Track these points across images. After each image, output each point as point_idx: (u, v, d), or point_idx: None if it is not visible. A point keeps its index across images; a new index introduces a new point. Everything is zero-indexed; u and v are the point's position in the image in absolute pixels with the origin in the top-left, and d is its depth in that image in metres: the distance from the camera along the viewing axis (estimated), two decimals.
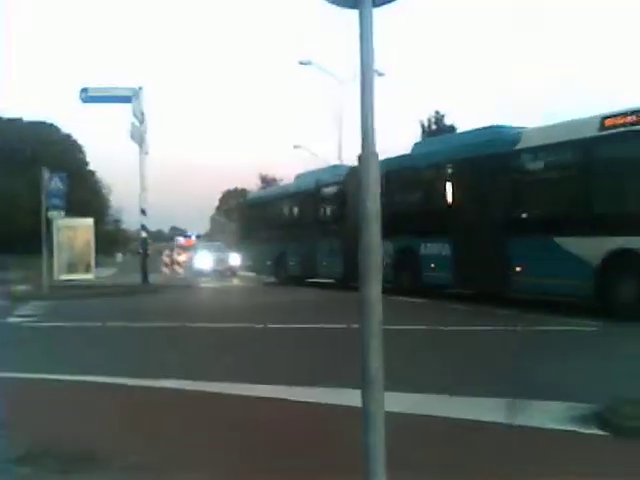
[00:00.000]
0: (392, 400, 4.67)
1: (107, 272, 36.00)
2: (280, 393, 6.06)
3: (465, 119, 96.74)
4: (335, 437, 4.73)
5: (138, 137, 23.30)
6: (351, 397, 4.01)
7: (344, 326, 10.12)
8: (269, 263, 24.09)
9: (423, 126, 46.91)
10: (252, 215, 26.63)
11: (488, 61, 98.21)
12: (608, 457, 4.35)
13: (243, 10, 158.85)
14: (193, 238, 57.54)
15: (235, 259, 32.63)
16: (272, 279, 24.18)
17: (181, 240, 56.31)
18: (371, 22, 2.88)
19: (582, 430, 4.80)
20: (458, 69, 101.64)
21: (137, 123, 23.29)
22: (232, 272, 32.15)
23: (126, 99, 23.22)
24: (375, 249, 2.93)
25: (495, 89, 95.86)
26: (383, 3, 2.92)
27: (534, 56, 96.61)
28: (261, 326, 11.10)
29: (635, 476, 4.00)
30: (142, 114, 23.34)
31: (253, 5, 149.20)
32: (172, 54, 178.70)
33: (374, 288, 2.94)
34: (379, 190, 2.91)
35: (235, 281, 28.28)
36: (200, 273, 31.98)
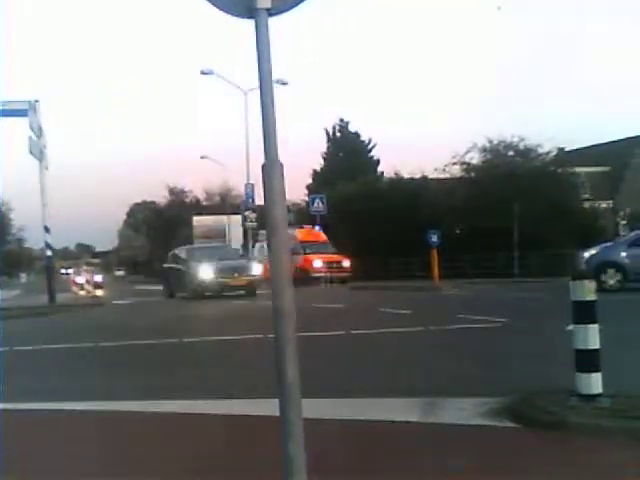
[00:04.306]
0: (308, 407, 4.69)
1: (10, 293, 34.45)
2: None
3: (370, 126, 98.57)
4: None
5: (37, 152, 22.41)
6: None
7: None
8: None
9: (328, 134, 47.49)
10: None
11: (389, 68, 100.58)
12: (520, 449, 4.50)
13: (145, 21, 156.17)
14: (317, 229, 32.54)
15: (257, 268, 22.51)
16: None
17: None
18: (267, 32, 2.88)
19: (495, 424, 4.93)
20: (361, 76, 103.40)
21: (35, 137, 22.40)
22: (250, 288, 21.58)
23: (21, 112, 22.26)
24: (284, 257, 2.94)
25: (399, 94, 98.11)
26: (279, 12, 2.93)
27: (434, 62, 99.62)
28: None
29: (546, 466, 4.15)
30: (40, 128, 22.46)
31: (154, 16, 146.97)
32: (72, 67, 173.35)
33: (286, 296, 2.95)
34: (285, 197, 2.93)
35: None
36: (203, 287, 21.89)
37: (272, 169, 2.91)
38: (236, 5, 2.95)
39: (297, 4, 2.99)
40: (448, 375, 6.91)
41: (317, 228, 31.32)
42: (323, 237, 30.95)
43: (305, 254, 28.83)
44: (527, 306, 14.81)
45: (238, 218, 40.81)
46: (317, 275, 27.63)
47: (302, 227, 30.85)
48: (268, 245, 2.93)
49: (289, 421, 2.94)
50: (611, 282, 16.39)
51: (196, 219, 46.79)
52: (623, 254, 16.75)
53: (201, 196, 59.68)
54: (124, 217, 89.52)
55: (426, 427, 5.04)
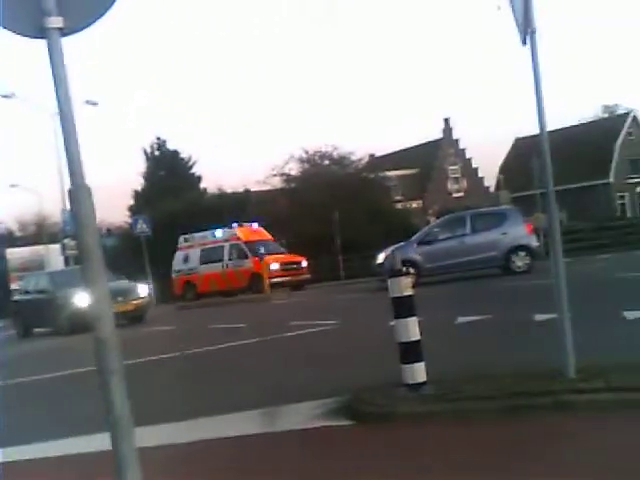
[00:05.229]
0: (147, 435, 4.55)
1: None
2: None
3: (189, 142, 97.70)
4: None
5: None
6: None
7: None
8: None
9: (146, 153, 46.43)
10: None
11: (201, 83, 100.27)
12: (351, 443, 4.68)
13: None
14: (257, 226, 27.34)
15: (143, 289, 19.11)
16: None
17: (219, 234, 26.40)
18: (61, 52, 2.77)
19: (331, 423, 5.09)
20: (174, 93, 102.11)
21: None
22: (137, 313, 18.10)
23: None
24: (101, 284, 2.84)
25: (214, 110, 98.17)
26: (72, 32, 2.81)
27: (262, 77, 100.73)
28: None
29: (375, 456, 4.35)
30: None
31: None
32: None
33: (107, 323, 2.85)
34: (96, 223, 2.83)
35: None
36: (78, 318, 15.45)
37: (79, 194, 2.80)
38: (25, 24, 2.79)
39: (91, 23, 2.89)
40: (285, 382, 7.00)
41: (256, 225, 26.87)
42: (268, 235, 26.74)
43: (255, 256, 24.54)
44: (354, 307, 15.41)
45: (56, 247, 38.75)
46: (276, 280, 23.71)
47: (241, 225, 26.13)
48: (82, 272, 2.80)
49: (121, 454, 2.84)
50: None
51: (10, 252, 43.81)
52: (414, 251, 17.92)
53: (14, 227, 56.18)
54: None
55: (265, 437, 5.07)
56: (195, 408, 6.21)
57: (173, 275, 27.37)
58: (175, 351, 10.56)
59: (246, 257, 24.67)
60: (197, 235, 27.09)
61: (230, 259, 25.19)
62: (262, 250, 24.74)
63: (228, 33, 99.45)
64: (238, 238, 25.30)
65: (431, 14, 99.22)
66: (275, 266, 23.97)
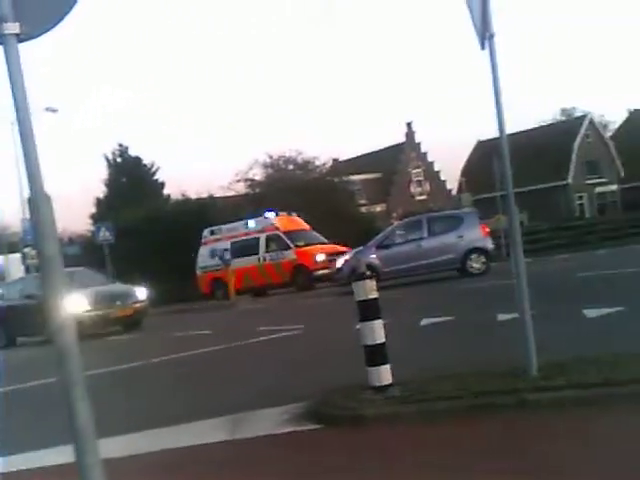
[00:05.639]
0: (111, 446, 4.49)
1: None
2: None
3: (152, 149, 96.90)
4: None
5: None
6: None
7: None
8: None
9: (108, 160, 45.87)
10: None
11: (165, 88, 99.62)
12: (319, 447, 4.70)
13: None
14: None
15: (141, 292, 17.52)
16: None
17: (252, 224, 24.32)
18: (18, 59, 2.73)
19: (299, 428, 5.08)
20: (136, 98, 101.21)
21: None
22: (136, 318, 17.00)
23: None
24: (60, 293, 2.80)
25: (177, 115, 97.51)
26: (30, 38, 2.77)
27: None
28: None
29: (343, 458, 4.37)
30: None
31: None
32: None
33: (68, 334, 2.81)
34: (56, 231, 2.80)
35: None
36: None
37: (39, 202, 2.76)
38: None
39: (49, 29, 2.85)
40: (255, 387, 6.97)
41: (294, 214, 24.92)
42: (305, 225, 24.72)
43: (297, 247, 22.77)
44: (319, 311, 15.43)
45: (16, 257, 38.08)
46: (321, 273, 21.80)
47: (278, 214, 24.13)
48: (42, 281, 2.77)
49: (86, 466, 2.79)
50: None
51: None
52: (373, 256, 17.97)
53: None
54: None
55: (235, 444, 5.05)
56: (162, 416, 6.17)
57: (198, 272, 25.60)
58: (140, 359, 10.44)
59: (287, 248, 22.84)
60: (225, 227, 25.05)
61: (267, 251, 23.40)
62: (301, 241, 23.05)
63: (190, 37, 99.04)
64: (276, 228, 23.42)
65: (394, 18, 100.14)
66: (321, 257, 21.96)
